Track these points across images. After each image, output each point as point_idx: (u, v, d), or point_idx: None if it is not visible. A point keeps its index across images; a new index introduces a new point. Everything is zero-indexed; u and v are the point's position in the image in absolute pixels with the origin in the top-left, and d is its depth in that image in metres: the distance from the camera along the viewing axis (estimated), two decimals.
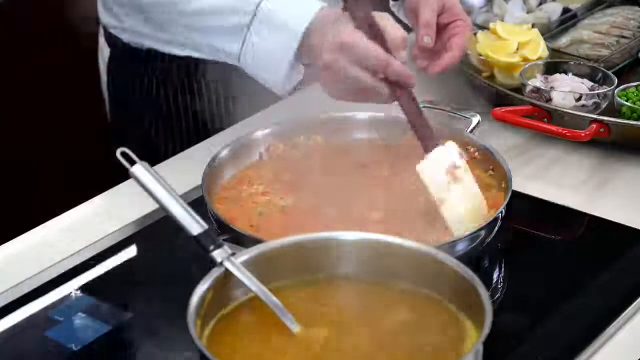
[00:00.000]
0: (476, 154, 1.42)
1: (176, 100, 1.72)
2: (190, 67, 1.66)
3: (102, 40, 1.78)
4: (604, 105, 1.58)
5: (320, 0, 1.41)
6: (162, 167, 1.50)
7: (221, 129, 1.63)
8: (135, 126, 1.76)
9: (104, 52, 1.77)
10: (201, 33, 1.47)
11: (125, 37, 1.68)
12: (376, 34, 1.35)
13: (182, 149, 1.61)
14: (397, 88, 1.35)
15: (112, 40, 1.72)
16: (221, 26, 1.43)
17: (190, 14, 1.46)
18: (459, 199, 1.29)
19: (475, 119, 1.47)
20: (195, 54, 1.56)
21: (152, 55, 1.66)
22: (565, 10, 1.87)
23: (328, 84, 1.39)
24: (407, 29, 1.46)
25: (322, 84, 1.40)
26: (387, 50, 1.34)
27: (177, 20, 1.49)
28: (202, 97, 1.70)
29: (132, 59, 1.69)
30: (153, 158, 1.53)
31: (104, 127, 2.47)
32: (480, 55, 1.69)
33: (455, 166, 1.31)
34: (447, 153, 1.31)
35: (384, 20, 1.37)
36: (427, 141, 1.34)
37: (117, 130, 1.84)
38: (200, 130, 1.69)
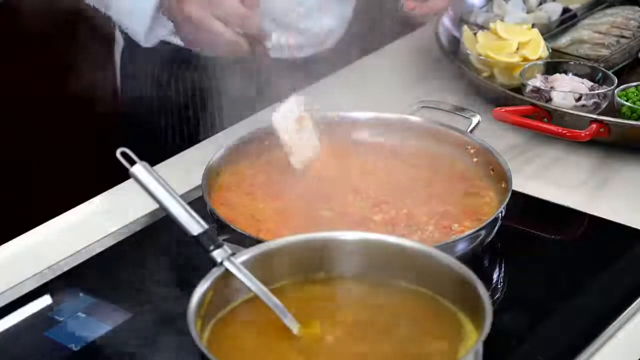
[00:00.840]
0: (475, 154, 1.42)
1: (186, 92, 1.73)
2: (204, 60, 1.68)
3: (117, 31, 1.79)
4: (604, 105, 1.58)
5: None
6: (162, 167, 1.50)
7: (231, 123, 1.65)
8: (147, 118, 1.77)
9: (119, 43, 1.78)
10: None
11: None
12: None
13: (191, 142, 1.61)
14: (256, 44, 1.43)
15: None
16: None
17: None
18: (300, 142, 1.40)
19: (475, 119, 1.47)
20: None
21: (166, 47, 1.67)
22: (565, 10, 1.87)
23: (190, 37, 1.46)
24: None
25: (183, 36, 1.47)
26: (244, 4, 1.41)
27: None
28: (214, 90, 1.71)
29: (145, 51, 1.69)
30: (163, 151, 1.55)
31: (104, 127, 2.47)
32: (480, 55, 1.69)
33: (303, 116, 1.41)
34: (296, 103, 1.41)
35: None
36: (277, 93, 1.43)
37: (128, 122, 1.85)
38: (210, 124, 1.70)
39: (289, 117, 1.40)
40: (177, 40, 1.65)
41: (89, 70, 1.95)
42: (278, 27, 1.73)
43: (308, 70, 1.63)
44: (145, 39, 1.57)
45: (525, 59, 1.68)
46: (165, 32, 1.55)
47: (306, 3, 1.72)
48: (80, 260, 1.33)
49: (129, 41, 1.76)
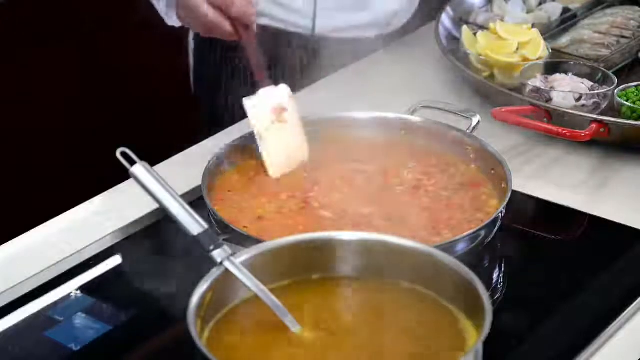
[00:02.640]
0: (475, 154, 1.42)
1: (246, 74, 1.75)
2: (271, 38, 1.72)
3: None
4: (604, 105, 1.58)
5: None
6: (162, 167, 1.50)
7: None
8: (216, 96, 1.81)
9: None
10: None
11: None
12: None
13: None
14: (240, 26, 1.44)
15: None
16: None
17: None
18: (277, 139, 1.37)
19: (475, 119, 1.47)
20: None
21: None
22: (565, 10, 1.87)
23: (181, 15, 1.51)
24: None
25: (178, 14, 1.52)
26: None
27: None
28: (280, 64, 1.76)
29: None
30: (163, 151, 1.57)
31: (103, 127, 2.47)
32: (480, 55, 1.69)
33: (282, 108, 1.38)
34: (278, 94, 1.39)
35: None
36: (260, 79, 1.42)
37: (200, 101, 1.89)
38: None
39: (265, 107, 1.38)
40: None
41: (89, 70, 1.95)
42: (346, 7, 1.76)
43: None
44: (167, 17, 1.61)
45: (525, 59, 1.68)
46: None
47: None
48: (81, 260, 1.33)
49: None
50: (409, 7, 1.82)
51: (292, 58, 1.78)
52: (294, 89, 1.48)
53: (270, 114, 1.37)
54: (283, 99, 1.39)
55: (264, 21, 1.73)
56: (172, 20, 1.60)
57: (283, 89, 1.40)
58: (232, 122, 1.63)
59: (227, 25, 1.45)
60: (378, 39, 1.81)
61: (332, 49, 1.72)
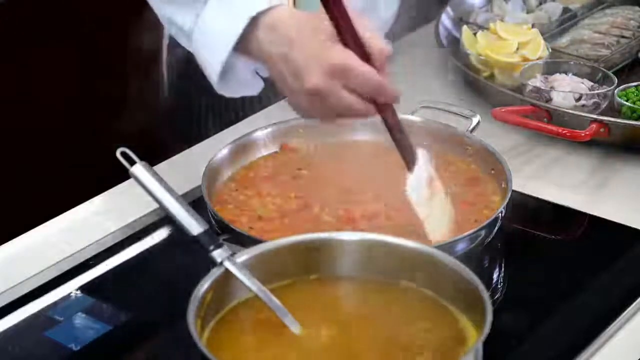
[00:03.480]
0: (475, 154, 1.42)
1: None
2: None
3: None
4: (604, 105, 1.58)
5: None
6: (162, 167, 1.50)
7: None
8: (189, 104, 1.76)
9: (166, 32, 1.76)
10: (165, 3, 1.41)
11: None
12: (362, 49, 1.20)
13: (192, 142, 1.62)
14: (383, 107, 1.24)
15: None
16: None
17: None
18: (440, 213, 1.26)
19: (475, 119, 1.47)
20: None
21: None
22: (565, 10, 1.87)
23: (305, 105, 1.24)
24: None
25: (297, 104, 1.25)
26: (372, 65, 1.20)
27: None
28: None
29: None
30: (163, 151, 1.55)
31: (103, 127, 2.47)
32: (480, 55, 1.69)
33: (432, 178, 1.27)
34: (424, 165, 1.26)
35: (364, 29, 1.21)
36: (409, 157, 1.26)
37: (172, 107, 1.83)
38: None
39: (421, 184, 1.24)
40: None
41: (89, 70, 1.95)
42: None
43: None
44: (219, 85, 1.36)
45: (525, 59, 1.68)
46: (249, 90, 1.38)
47: (351, 3, 1.72)
48: (80, 260, 1.33)
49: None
50: (384, 25, 1.78)
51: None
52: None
53: (427, 191, 1.24)
54: (428, 168, 1.25)
55: None
56: (229, 91, 1.38)
57: (424, 154, 1.26)
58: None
59: (373, 110, 1.21)
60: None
61: None
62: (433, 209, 1.26)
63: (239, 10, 1.27)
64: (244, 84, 1.37)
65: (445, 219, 1.26)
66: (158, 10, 1.45)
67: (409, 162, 1.25)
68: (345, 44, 1.19)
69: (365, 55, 1.20)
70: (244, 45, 1.29)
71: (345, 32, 1.19)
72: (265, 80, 1.43)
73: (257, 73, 1.38)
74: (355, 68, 1.19)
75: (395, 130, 1.25)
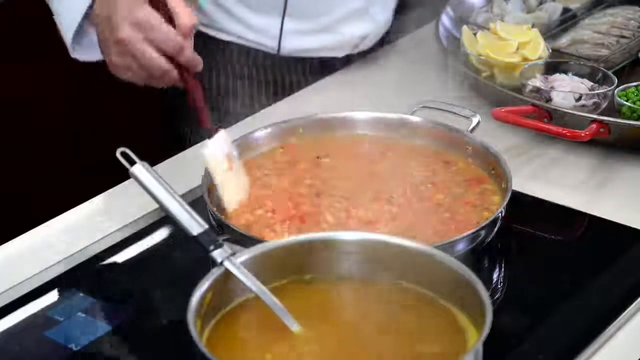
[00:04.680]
0: (475, 154, 1.42)
1: (218, 81, 1.74)
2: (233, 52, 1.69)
3: None
4: (604, 105, 1.58)
5: None
6: (162, 167, 1.50)
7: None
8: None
9: None
10: None
11: None
12: (169, 16, 1.36)
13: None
14: (185, 72, 1.37)
15: None
16: None
17: None
18: (234, 185, 1.35)
19: (475, 119, 1.47)
20: None
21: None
22: (565, 10, 1.87)
23: (118, 61, 1.39)
24: None
25: (111, 60, 1.40)
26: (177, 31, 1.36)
27: None
28: (243, 80, 1.73)
29: None
30: (163, 151, 1.56)
31: (103, 127, 2.47)
32: (480, 55, 1.69)
33: (231, 154, 1.36)
34: (225, 140, 1.36)
35: (174, 2, 1.36)
36: (207, 125, 1.37)
37: (172, 107, 1.86)
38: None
39: (219, 155, 1.35)
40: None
41: (88, 70, 1.94)
42: (315, 30, 1.73)
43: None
44: (73, 49, 1.50)
45: (525, 59, 1.68)
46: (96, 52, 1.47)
47: (347, 6, 1.73)
48: (80, 260, 1.33)
49: None
50: (379, 30, 1.80)
51: (257, 75, 1.76)
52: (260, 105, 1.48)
53: (224, 161, 1.35)
54: (228, 143, 1.36)
55: (229, 38, 1.72)
56: (82, 54, 1.50)
57: (224, 134, 1.37)
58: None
59: (175, 72, 1.37)
60: (344, 59, 1.79)
61: (297, 68, 1.69)
62: (229, 180, 1.35)
63: None
64: (96, 47, 1.46)
65: (240, 194, 1.36)
66: None
67: (203, 123, 1.37)
68: (154, 7, 1.35)
69: (171, 20, 1.35)
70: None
71: None
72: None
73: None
74: (158, 24, 1.35)
75: (198, 99, 1.37)
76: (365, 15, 1.75)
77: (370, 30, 1.77)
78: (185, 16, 1.36)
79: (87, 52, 1.49)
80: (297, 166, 1.43)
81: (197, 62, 1.37)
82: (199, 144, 1.59)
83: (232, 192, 1.35)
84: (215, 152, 1.34)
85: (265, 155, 1.45)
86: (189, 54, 1.36)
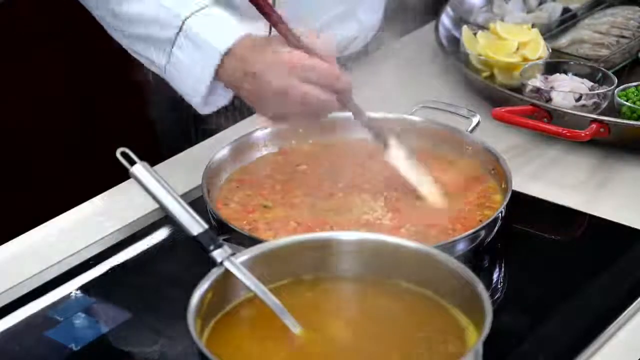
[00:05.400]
0: (475, 154, 1.42)
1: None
2: None
3: None
4: (604, 105, 1.58)
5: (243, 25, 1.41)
6: (162, 167, 1.50)
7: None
8: (174, 110, 1.77)
9: None
10: (134, 40, 1.47)
11: None
12: (307, 48, 1.34)
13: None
14: (341, 97, 1.36)
15: None
16: (149, 36, 1.44)
17: (121, 19, 1.46)
18: (427, 180, 1.38)
19: (475, 119, 1.47)
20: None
21: None
22: (565, 10, 1.87)
23: (279, 111, 1.37)
24: None
25: (271, 114, 1.38)
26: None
27: (111, 24, 1.50)
28: None
29: None
30: (163, 151, 1.55)
31: (104, 127, 2.47)
32: (480, 55, 1.69)
33: (410, 154, 1.39)
34: (399, 144, 1.39)
35: (309, 34, 1.35)
36: (381, 136, 1.40)
37: (172, 107, 1.85)
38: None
39: (401, 155, 1.38)
40: None
41: (88, 70, 1.95)
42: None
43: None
44: (202, 109, 1.46)
45: (525, 59, 1.68)
46: (225, 102, 1.46)
47: (334, 9, 1.72)
48: (80, 260, 1.33)
49: None
50: (367, 32, 1.80)
51: None
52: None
53: (410, 161, 1.39)
54: (402, 146, 1.39)
55: None
56: (206, 110, 1.46)
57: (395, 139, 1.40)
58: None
59: (335, 102, 1.35)
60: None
61: None
62: (421, 176, 1.38)
63: (209, 47, 1.38)
64: (220, 99, 1.44)
65: (434, 186, 1.37)
66: (128, 47, 1.50)
67: (382, 139, 1.40)
68: (293, 46, 1.34)
69: (311, 52, 1.34)
70: (216, 75, 1.40)
71: (288, 35, 1.34)
72: None
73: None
74: (307, 61, 1.33)
75: (360, 115, 1.40)
76: (353, 17, 1.74)
77: (358, 32, 1.76)
78: (326, 44, 1.35)
79: (212, 106, 1.46)
80: (297, 166, 1.43)
81: (349, 81, 1.36)
82: (199, 144, 1.60)
83: (428, 188, 1.37)
84: (400, 155, 1.38)
85: (265, 157, 1.45)
86: (346, 80, 1.35)
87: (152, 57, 1.45)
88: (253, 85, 1.35)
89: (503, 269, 1.33)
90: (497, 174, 1.38)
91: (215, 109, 1.46)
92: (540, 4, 1.89)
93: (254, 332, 1.08)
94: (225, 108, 1.54)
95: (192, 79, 1.41)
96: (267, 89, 1.34)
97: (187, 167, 1.49)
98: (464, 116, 1.48)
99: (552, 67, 1.66)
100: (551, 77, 1.63)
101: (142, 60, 1.49)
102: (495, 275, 1.32)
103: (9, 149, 2.43)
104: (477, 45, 1.70)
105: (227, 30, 1.39)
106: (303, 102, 1.33)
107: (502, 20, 1.79)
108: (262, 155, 1.46)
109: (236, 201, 1.37)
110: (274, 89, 1.33)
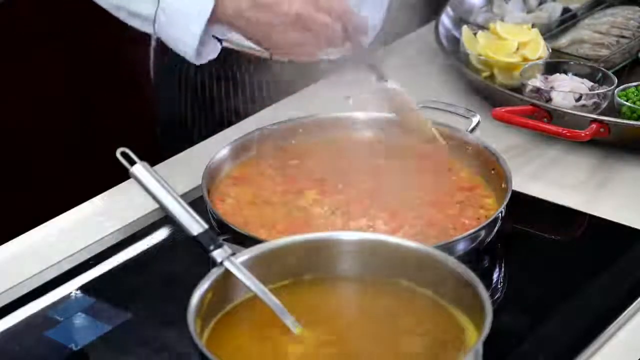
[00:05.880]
0: (475, 154, 1.42)
1: (211, 87, 1.73)
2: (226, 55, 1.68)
3: None
4: (604, 105, 1.58)
5: None
6: (162, 167, 1.50)
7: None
8: (175, 110, 1.77)
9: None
10: None
11: None
12: None
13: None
14: (351, 38, 1.40)
15: None
16: None
17: None
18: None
19: (475, 119, 1.47)
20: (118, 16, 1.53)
21: None
22: (565, 10, 1.87)
23: (292, 37, 1.38)
24: None
25: (278, 41, 1.39)
26: None
27: None
28: (236, 84, 1.72)
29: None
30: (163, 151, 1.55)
31: (103, 127, 2.47)
32: (480, 55, 1.69)
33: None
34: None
35: None
36: (380, 69, 1.44)
37: (159, 114, 1.85)
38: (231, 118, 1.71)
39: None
40: None
41: (88, 70, 1.95)
42: None
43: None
44: (194, 53, 1.46)
45: (525, 59, 1.68)
46: (214, 55, 1.47)
47: None
48: (80, 260, 1.33)
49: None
50: (372, 30, 1.79)
51: (252, 77, 1.76)
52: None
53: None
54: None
55: (226, 45, 1.71)
56: (199, 59, 1.46)
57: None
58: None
59: (339, 31, 1.38)
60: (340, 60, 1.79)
61: (292, 71, 1.69)
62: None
63: None
64: (210, 50, 1.45)
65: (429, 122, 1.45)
66: (112, 8, 1.48)
67: (379, 74, 1.44)
68: None
69: None
70: (212, 16, 1.39)
71: None
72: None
73: (213, 36, 1.45)
74: None
75: (360, 50, 1.42)
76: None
77: None
78: None
79: (204, 57, 1.47)
80: (295, 164, 1.43)
81: (365, 22, 1.40)
82: (199, 144, 1.60)
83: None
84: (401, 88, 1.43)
85: (264, 156, 1.45)
86: (358, 20, 1.38)
87: (139, 10, 1.43)
88: (260, 14, 1.36)
89: (503, 269, 1.33)
90: (497, 174, 1.38)
91: (203, 61, 1.46)
92: (540, 4, 1.89)
93: (254, 332, 1.08)
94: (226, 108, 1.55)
95: (187, 22, 1.39)
96: (280, 14, 1.35)
97: (187, 167, 1.49)
98: (463, 116, 1.48)
99: (552, 67, 1.66)
100: (551, 77, 1.63)
101: (131, 22, 1.47)
102: (495, 275, 1.32)
103: (9, 149, 2.43)
104: (477, 45, 1.70)
105: None
106: (316, 32, 1.36)
107: (502, 20, 1.79)
108: (262, 155, 1.46)
109: (236, 201, 1.37)
110: (293, 13, 1.35)
